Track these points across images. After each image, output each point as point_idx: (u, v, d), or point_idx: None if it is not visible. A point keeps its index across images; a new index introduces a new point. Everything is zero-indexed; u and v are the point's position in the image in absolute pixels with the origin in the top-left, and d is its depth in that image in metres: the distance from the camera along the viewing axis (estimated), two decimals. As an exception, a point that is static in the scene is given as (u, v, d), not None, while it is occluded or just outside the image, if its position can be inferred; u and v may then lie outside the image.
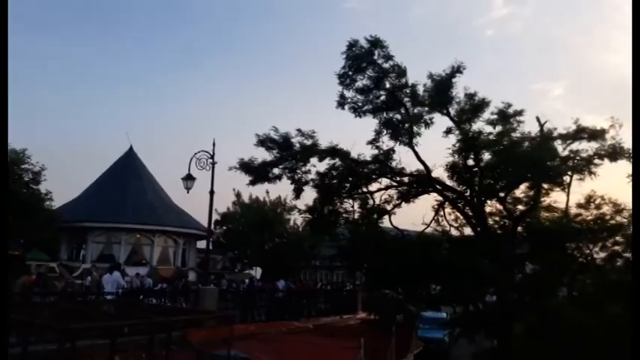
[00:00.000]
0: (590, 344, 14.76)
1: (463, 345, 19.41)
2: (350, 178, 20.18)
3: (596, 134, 17.77)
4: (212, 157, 17.60)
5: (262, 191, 36.46)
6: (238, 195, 37.31)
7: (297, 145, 19.33)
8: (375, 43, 17.97)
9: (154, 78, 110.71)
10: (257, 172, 19.53)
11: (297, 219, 35.11)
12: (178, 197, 35.64)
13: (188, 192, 16.68)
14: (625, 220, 19.27)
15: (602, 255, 18.93)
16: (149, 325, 7.40)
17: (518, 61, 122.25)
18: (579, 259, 18.41)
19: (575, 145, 18.04)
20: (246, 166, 19.42)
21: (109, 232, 31.28)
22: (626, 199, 19.51)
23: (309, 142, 19.37)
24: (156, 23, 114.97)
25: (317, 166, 19.91)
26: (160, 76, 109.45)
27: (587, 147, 17.89)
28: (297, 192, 20.32)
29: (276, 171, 19.72)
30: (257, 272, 36.38)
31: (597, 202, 19.44)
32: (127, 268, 24.52)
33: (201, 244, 34.09)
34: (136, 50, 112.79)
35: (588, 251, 18.87)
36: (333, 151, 19.47)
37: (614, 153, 17.32)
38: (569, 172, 17.64)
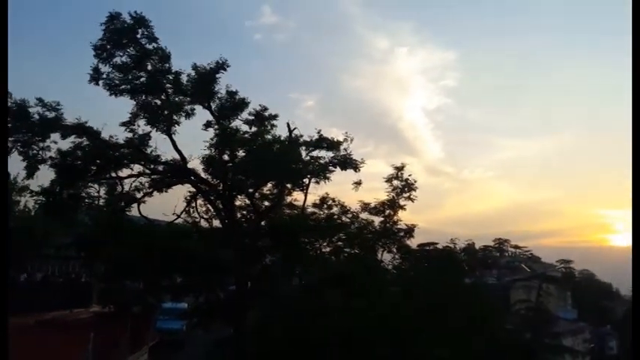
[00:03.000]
0: (312, 325, 16.98)
1: (205, 334, 19.93)
2: (98, 161, 18.57)
3: (333, 145, 20.51)
4: None
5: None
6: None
7: (37, 116, 16.91)
8: (140, 21, 17.06)
9: None
10: (-24, 142, 16.29)
11: (28, 202, 30.28)
12: None
13: None
14: (348, 220, 22.87)
15: (329, 249, 22.02)
16: None
17: (279, 69, 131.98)
18: (310, 252, 20.94)
19: (316, 153, 20.51)
20: (-39, 133, 15.99)
21: None
22: (350, 202, 23.21)
23: (51, 115, 17.15)
24: None
25: (59, 143, 17.77)
26: None
27: (325, 155, 20.53)
28: (31, 170, 17.70)
29: (4, 143, 16.80)
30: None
31: (329, 203, 22.58)
32: None
33: None
34: None
35: (318, 245, 21.66)
36: (80, 129, 17.64)
37: (344, 162, 20.25)
38: (309, 176, 19.93)
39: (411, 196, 22.28)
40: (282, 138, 19.94)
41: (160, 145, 18.81)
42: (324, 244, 21.81)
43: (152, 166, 19.55)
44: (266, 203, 21.30)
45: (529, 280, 46.66)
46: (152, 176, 19.89)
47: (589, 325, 61.89)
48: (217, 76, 18.61)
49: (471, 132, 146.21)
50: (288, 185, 20.32)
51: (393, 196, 22.16)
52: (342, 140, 20.51)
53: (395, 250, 23.14)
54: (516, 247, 77.07)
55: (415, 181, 22.56)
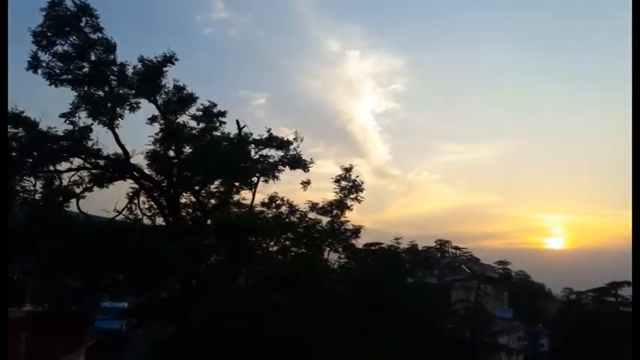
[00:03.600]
0: (258, 325, 16.91)
1: (145, 334, 19.37)
2: (35, 153, 17.72)
3: (283, 144, 20.45)
4: None
5: None
6: None
7: (-34, 104, 15.90)
8: (84, 9, 16.43)
9: None
10: None
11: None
12: None
13: None
14: (296, 220, 22.90)
15: (276, 248, 21.95)
16: None
17: (230, 65, 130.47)
18: (257, 252, 20.79)
19: (265, 151, 20.38)
20: None
21: None
22: (299, 201, 23.29)
23: (-17, 104, 16.22)
24: None
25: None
26: None
27: (274, 154, 20.45)
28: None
29: None
30: None
31: (278, 202, 22.54)
32: None
33: None
34: None
35: (265, 244, 21.55)
36: (16, 119, 16.82)
37: (293, 162, 20.25)
38: (258, 174, 19.80)
39: (359, 197, 22.67)
40: (231, 135, 19.72)
41: (101, 138, 18.16)
42: (272, 243, 21.72)
43: (93, 160, 18.82)
44: (213, 201, 20.97)
45: (469, 281, 48.60)
46: (92, 171, 19.18)
47: (523, 323, 65.11)
48: (165, 69, 18.15)
49: (417, 136, 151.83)
50: (236, 183, 20.11)
51: (340, 197, 22.47)
52: (291, 140, 20.49)
53: (341, 250, 23.44)
54: (457, 248, 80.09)
55: (363, 183, 22.98)
